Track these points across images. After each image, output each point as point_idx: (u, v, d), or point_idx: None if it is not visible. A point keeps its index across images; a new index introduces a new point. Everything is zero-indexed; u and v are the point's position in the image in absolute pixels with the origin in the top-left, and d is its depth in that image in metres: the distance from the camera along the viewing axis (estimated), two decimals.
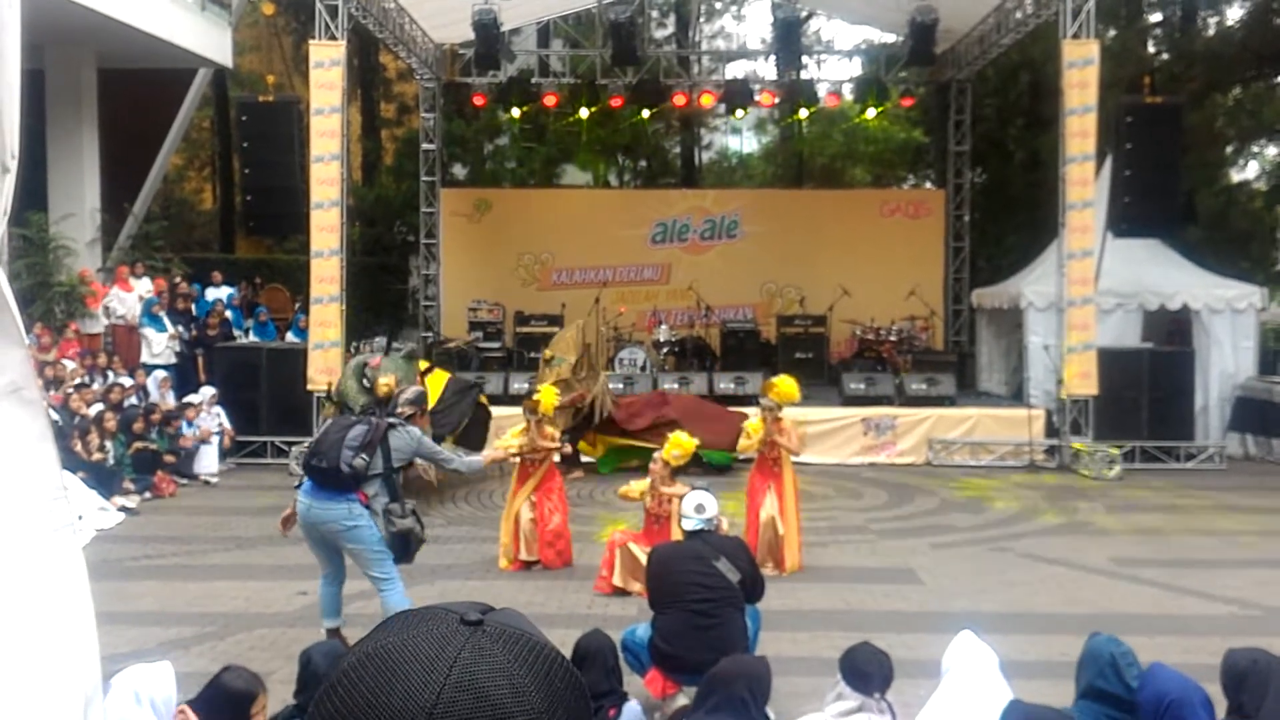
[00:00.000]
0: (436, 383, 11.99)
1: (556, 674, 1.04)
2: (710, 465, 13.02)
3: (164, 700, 3.41)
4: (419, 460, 7.64)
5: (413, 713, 0.97)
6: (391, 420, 6.91)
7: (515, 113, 20.36)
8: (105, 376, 13.42)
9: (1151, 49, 23.57)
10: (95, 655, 2.37)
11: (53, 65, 16.18)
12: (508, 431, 9.48)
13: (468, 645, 1.01)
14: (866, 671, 4.23)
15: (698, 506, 6.14)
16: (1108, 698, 3.97)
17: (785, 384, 9.04)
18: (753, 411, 10.42)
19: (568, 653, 4.64)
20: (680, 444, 8.48)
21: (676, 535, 7.97)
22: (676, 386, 14.56)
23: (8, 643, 2.11)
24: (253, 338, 16.68)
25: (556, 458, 9.20)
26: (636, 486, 8.22)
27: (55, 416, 10.60)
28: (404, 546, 6.60)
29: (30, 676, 2.14)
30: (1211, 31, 23.31)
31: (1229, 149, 23.77)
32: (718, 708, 4.06)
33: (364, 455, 6.62)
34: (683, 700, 5.54)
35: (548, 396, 9.38)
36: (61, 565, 2.33)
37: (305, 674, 4.16)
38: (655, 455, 8.22)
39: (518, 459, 9.01)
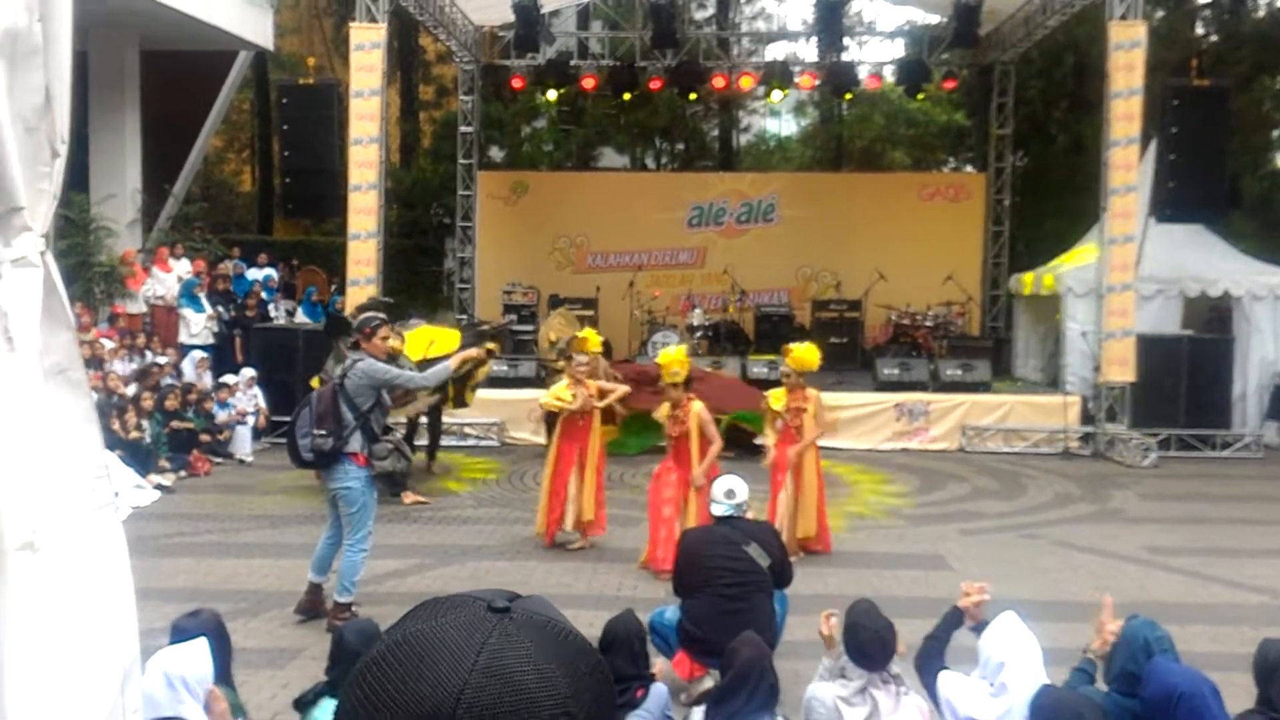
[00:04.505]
0: (443, 339, 11.63)
1: (582, 660, 1.06)
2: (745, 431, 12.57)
3: (197, 679, 3.49)
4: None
5: (441, 698, 0.99)
6: (343, 368, 6.87)
7: (552, 95, 20.36)
8: (144, 356, 13.62)
9: (1200, 30, 23.18)
10: (134, 631, 2.44)
11: (96, 47, 16.38)
12: (553, 387, 9.07)
13: (495, 632, 1.03)
14: (869, 654, 4.32)
15: (728, 492, 6.13)
16: (1138, 682, 3.95)
17: (802, 349, 8.59)
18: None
19: (596, 633, 4.70)
20: (676, 358, 8.22)
21: (694, 450, 7.98)
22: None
23: (55, 618, 2.19)
24: (302, 317, 16.84)
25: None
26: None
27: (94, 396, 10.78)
28: (389, 483, 6.96)
29: (74, 650, 2.21)
30: (1262, 13, 22.89)
31: (1276, 133, 23.37)
32: (760, 707, 4.06)
33: (320, 431, 6.63)
34: (709, 683, 5.59)
35: (593, 337, 9.24)
36: (103, 543, 2.40)
37: (337, 651, 4.24)
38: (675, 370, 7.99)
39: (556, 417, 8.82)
